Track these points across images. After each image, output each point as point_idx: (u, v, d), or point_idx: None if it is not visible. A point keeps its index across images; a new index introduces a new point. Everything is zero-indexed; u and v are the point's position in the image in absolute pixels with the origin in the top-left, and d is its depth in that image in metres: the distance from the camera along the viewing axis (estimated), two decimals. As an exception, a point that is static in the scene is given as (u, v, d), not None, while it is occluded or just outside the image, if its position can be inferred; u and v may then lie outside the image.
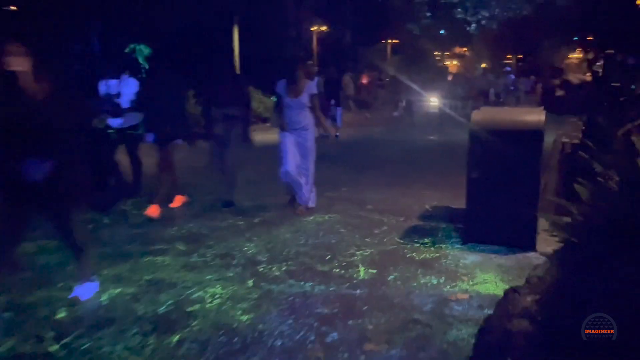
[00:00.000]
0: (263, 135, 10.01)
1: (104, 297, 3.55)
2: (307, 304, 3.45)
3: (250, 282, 3.81)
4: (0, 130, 3.05)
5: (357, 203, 6.10)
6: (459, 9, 37.55)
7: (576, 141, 4.52)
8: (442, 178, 7.45)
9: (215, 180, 6.23)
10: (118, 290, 3.67)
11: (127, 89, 5.99)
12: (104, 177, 5.86)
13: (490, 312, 3.18)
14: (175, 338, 2.99)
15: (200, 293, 3.61)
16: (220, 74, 6.03)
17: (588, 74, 24.27)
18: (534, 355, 2.16)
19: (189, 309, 3.36)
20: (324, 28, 25.24)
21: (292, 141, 5.49)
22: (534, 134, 4.30)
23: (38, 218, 3.50)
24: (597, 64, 22.54)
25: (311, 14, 24.10)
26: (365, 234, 4.94)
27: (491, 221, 4.50)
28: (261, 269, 4.07)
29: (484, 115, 4.73)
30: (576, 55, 34.30)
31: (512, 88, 19.40)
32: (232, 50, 17.77)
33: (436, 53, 38.85)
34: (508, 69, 22.17)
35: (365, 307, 3.37)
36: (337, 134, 13.04)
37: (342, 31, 27.00)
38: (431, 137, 13.18)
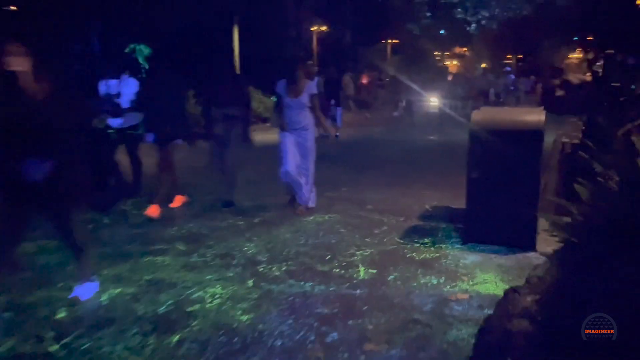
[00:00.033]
0: (263, 135, 10.01)
1: (104, 297, 3.55)
2: (307, 304, 3.45)
3: (250, 282, 3.81)
4: (0, 130, 3.05)
5: (357, 203, 6.10)
6: (459, 9, 37.54)
7: (576, 141, 4.52)
8: (442, 178, 7.45)
9: (215, 180, 6.23)
10: (118, 290, 3.67)
11: (127, 89, 5.99)
12: (104, 177, 5.86)
13: (490, 312, 3.18)
14: (175, 338, 2.99)
15: (200, 293, 3.61)
16: (220, 74, 6.03)
17: (588, 74, 24.27)
18: (534, 355, 2.16)
19: (189, 309, 3.36)
20: (324, 28, 25.23)
21: (292, 141, 5.49)
22: (534, 134, 4.30)
23: (38, 218, 3.50)
24: (597, 64, 22.54)
25: (311, 14, 24.10)
26: (365, 234, 4.94)
27: (491, 221, 4.50)
28: (261, 269, 4.07)
29: (484, 115, 4.73)
30: (576, 55, 34.30)
31: (512, 88, 19.40)
32: (232, 50, 17.76)
33: (436, 53, 38.85)
34: (508, 69, 22.17)
35: (365, 307, 3.37)
36: (337, 134, 13.04)
37: (342, 31, 27.00)
38: (431, 137, 13.17)
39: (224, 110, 5.73)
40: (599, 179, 2.68)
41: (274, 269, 4.07)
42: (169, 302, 3.46)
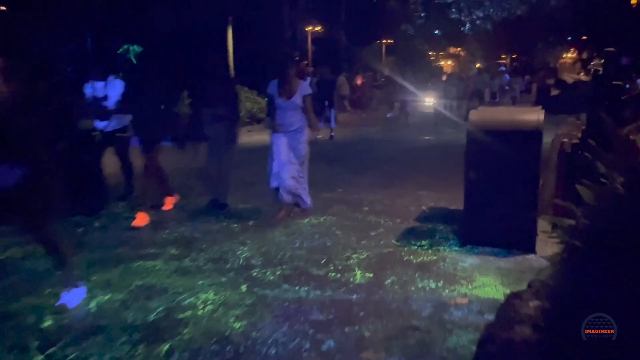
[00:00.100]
0: (258, 136, 9.92)
1: (92, 304, 3.44)
2: (302, 310, 3.34)
3: (243, 288, 3.70)
4: None
5: (352, 204, 6.00)
6: (453, 9, 37.57)
7: (576, 141, 4.44)
8: (438, 179, 7.37)
9: (208, 182, 6.10)
10: (107, 296, 3.56)
11: (113, 90, 5.86)
12: (89, 180, 5.69)
13: (491, 317, 3.09)
14: (165, 347, 2.88)
15: (191, 299, 3.50)
16: (212, 74, 5.91)
17: (582, 74, 24.32)
18: (539, 365, 2.07)
19: (180, 316, 3.25)
20: (318, 28, 25.17)
21: (285, 144, 5.32)
22: (533, 134, 4.21)
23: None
24: (592, 63, 22.59)
25: (306, 15, 24.02)
26: (361, 236, 4.85)
27: (489, 223, 4.42)
28: (255, 274, 3.96)
29: (482, 115, 4.65)
30: (570, 55, 34.42)
31: (507, 88, 19.37)
32: (226, 50, 17.67)
33: (431, 53, 38.91)
34: (503, 68, 22.15)
35: (362, 313, 3.27)
36: (332, 134, 12.97)
37: (337, 32, 26.93)
38: (426, 137, 13.11)
39: (212, 111, 5.61)
40: (603, 180, 2.59)
41: (268, 273, 3.97)
42: (160, 309, 3.35)
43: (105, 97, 5.87)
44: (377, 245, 4.59)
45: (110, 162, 6.31)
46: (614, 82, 4.38)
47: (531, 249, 4.27)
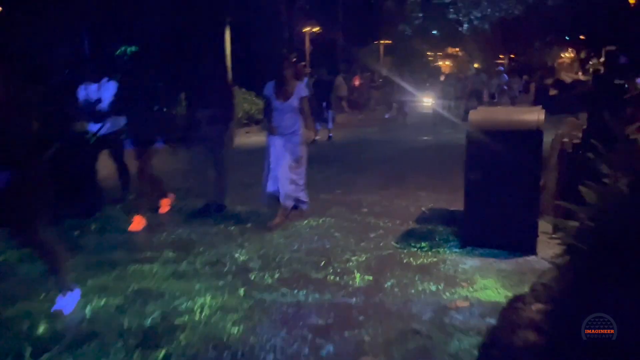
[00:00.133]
0: (256, 138, 9.86)
1: (88, 309, 3.38)
2: (300, 314, 3.29)
3: (241, 291, 3.65)
4: None
5: (351, 206, 5.95)
6: (451, 9, 37.53)
7: (577, 141, 4.39)
8: (437, 179, 7.33)
9: (204, 184, 6.04)
10: (103, 301, 3.50)
11: (107, 93, 5.79)
12: (83, 183, 5.62)
13: (492, 320, 3.05)
14: (162, 353, 2.83)
15: (188, 304, 3.44)
16: (208, 77, 5.85)
17: (580, 73, 24.30)
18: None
19: (177, 321, 3.20)
20: (316, 29, 25.12)
21: (282, 146, 5.25)
22: (534, 134, 4.17)
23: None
24: (590, 62, 22.57)
25: (303, 15, 23.98)
26: (360, 238, 4.80)
27: (490, 224, 4.37)
28: (253, 277, 3.91)
29: (482, 115, 4.61)
30: (568, 54, 34.44)
31: (505, 88, 19.33)
32: (224, 51, 17.61)
33: (429, 53, 38.87)
34: (501, 68, 22.09)
35: (362, 317, 3.22)
36: (330, 135, 12.92)
37: (334, 32, 26.88)
38: (425, 138, 13.06)
39: (208, 112, 5.55)
40: (606, 180, 2.55)
41: (266, 276, 3.92)
42: (156, 314, 3.30)
43: (99, 100, 5.79)
44: (377, 247, 4.55)
45: (105, 165, 6.25)
46: (615, 82, 4.33)
47: (532, 250, 4.23)
